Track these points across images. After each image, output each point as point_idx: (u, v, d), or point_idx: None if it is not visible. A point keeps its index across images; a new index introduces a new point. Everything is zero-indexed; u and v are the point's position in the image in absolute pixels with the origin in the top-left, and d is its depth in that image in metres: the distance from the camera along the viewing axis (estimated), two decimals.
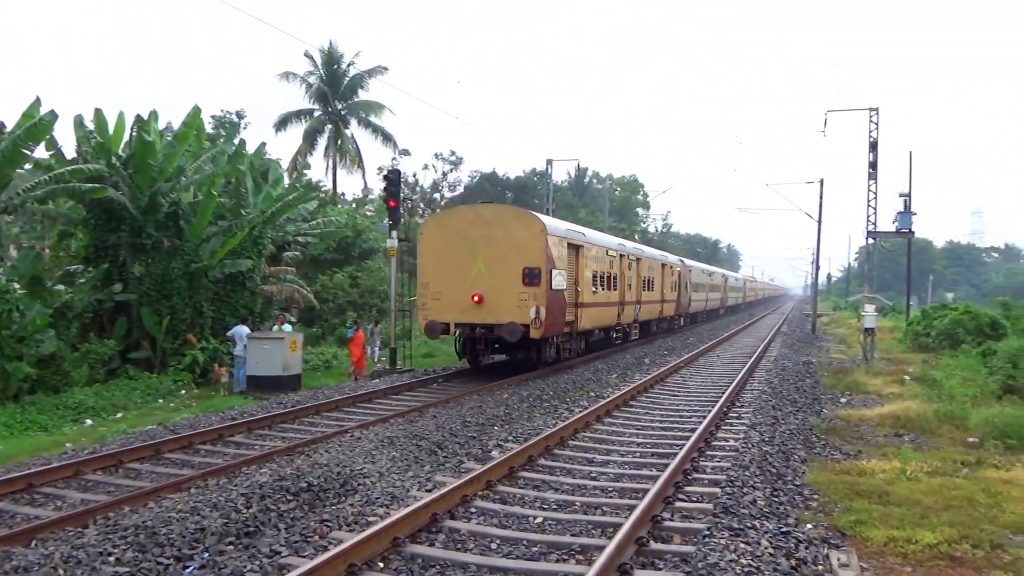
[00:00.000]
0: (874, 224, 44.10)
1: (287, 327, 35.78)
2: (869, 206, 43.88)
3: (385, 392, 29.79)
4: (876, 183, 43.63)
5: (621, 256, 43.95)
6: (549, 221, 34.77)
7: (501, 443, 21.09)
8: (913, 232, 47.11)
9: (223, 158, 39.32)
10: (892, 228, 46.49)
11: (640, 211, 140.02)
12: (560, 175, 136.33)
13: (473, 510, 16.06)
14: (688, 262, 70.08)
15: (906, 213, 46.85)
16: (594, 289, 38.92)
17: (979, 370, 33.03)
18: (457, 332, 33.50)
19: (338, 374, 37.40)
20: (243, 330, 34.04)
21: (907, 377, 34.58)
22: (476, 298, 32.94)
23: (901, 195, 49.13)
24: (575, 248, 36.68)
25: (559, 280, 33.96)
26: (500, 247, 33.05)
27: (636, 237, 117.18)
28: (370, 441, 21.35)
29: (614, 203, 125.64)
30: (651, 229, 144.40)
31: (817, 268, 76.40)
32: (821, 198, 73.73)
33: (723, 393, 28.47)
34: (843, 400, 29.32)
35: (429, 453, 20.50)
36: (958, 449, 21.66)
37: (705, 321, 79.04)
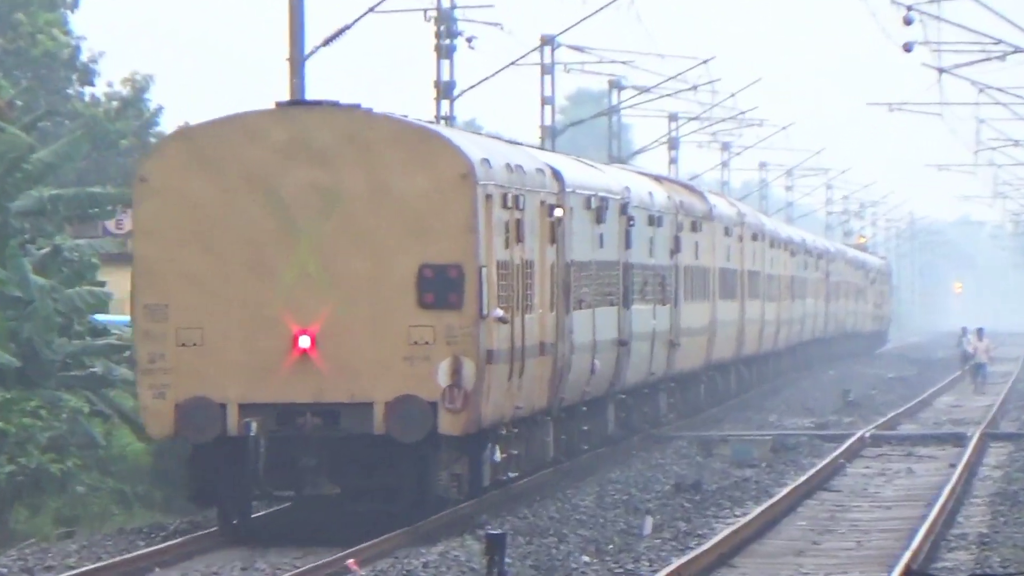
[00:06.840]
0: None
1: None
2: None
3: None
4: None
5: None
6: (472, 145, 18.26)
7: None
8: None
9: None
10: None
11: None
12: None
13: None
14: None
15: None
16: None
17: None
18: (246, 426, 16.16)
19: None
20: None
21: None
22: (301, 340, 16.35)
23: None
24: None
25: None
26: (360, 215, 16.70)
27: None
28: None
29: None
30: None
31: None
32: None
33: None
34: None
35: None
36: None
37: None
